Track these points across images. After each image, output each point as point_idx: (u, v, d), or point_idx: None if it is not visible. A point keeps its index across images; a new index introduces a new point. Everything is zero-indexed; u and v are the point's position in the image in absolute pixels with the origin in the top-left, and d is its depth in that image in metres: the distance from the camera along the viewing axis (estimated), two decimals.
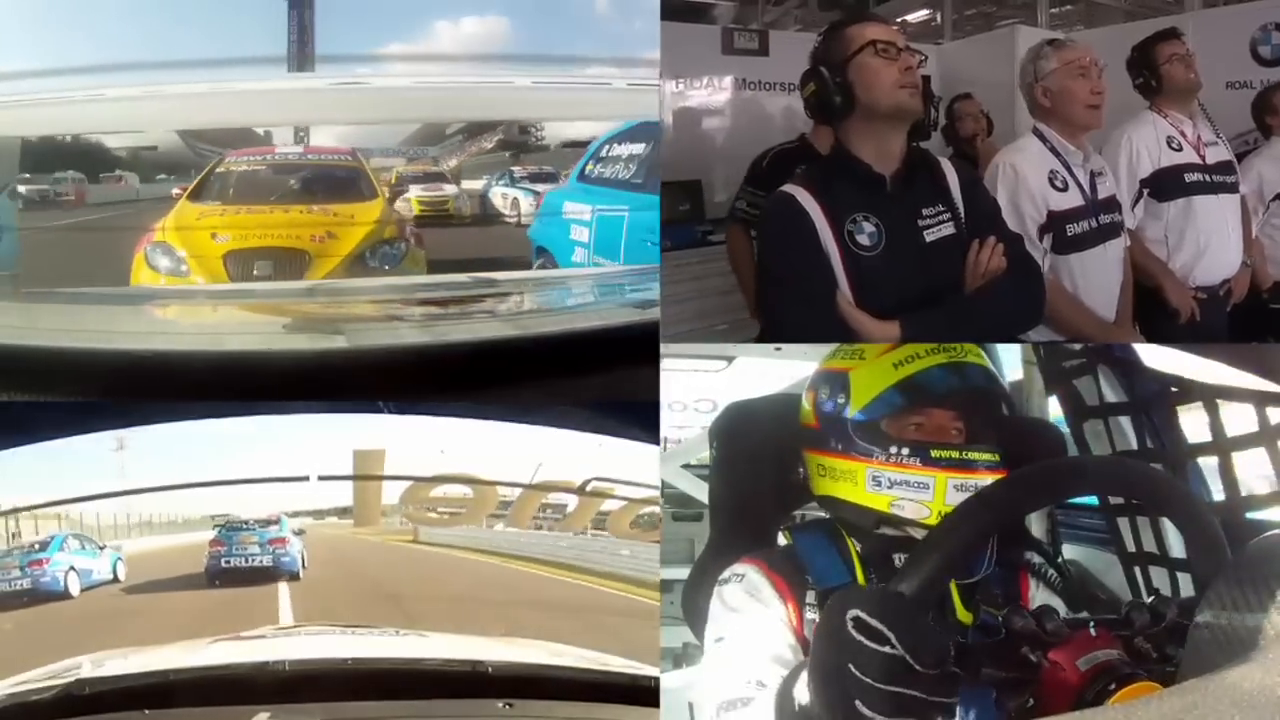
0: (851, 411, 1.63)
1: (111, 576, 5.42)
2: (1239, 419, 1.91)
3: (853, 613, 1.15)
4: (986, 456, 1.55)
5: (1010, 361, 2.42)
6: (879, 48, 1.93)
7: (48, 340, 2.09)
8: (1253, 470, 1.92)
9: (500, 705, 1.60)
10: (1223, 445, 1.95)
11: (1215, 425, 1.96)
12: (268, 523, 5.88)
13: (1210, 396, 1.96)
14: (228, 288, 3.68)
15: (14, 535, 4.84)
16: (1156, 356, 2.10)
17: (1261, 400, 1.86)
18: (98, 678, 1.64)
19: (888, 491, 1.58)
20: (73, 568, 5.09)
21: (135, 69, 3.37)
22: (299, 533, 5.97)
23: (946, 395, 1.59)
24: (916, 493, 1.55)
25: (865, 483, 1.59)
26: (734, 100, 4.43)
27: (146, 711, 1.55)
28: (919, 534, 1.54)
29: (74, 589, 5.06)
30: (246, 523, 5.88)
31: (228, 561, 5.70)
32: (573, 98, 3.60)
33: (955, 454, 1.54)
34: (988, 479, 1.52)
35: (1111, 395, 2.16)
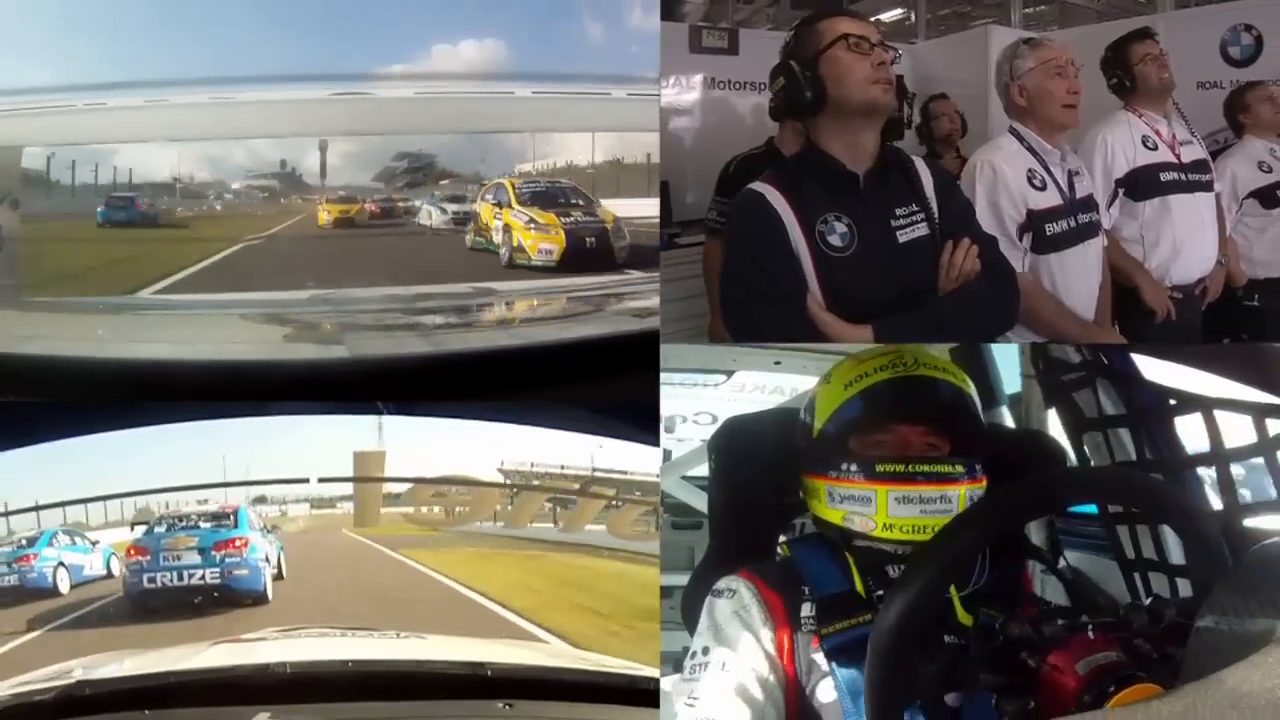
0: (815, 431, 1.65)
1: (105, 572, 5.02)
2: (1237, 429, 1.92)
3: None
4: (938, 468, 1.55)
5: (1009, 373, 2.43)
6: (851, 42, 1.91)
7: (47, 349, 2.09)
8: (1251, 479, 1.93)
9: (500, 706, 1.60)
10: (1221, 455, 1.96)
11: (1214, 436, 1.96)
12: (217, 517, 4.56)
13: (1209, 407, 1.96)
14: (229, 297, 3.69)
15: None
16: (1155, 367, 2.11)
17: (1260, 411, 1.87)
18: (98, 679, 1.64)
19: (840, 506, 1.60)
20: (62, 563, 4.75)
21: (140, 86, 3.39)
22: (269, 530, 4.76)
23: (899, 409, 1.60)
24: (862, 506, 1.57)
25: (825, 498, 1.61)
26: (703, 100, 4.37)
27: (147, 712, 1.55)
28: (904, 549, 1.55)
29: (63, 586, 4.73)
30: (186, 518, 4.53)
31: (152, 579, 4.27)
32: (573, 109, 3.61)
33: (899, 467, 1.55)
34: (931, 490, 1.53)
35: (1110, 407, 2.17)
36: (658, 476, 2.90)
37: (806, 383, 1.80)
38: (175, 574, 4.23)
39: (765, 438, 1.84)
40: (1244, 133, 3.37)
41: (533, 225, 4.10)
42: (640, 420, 2.01)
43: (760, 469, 1.80)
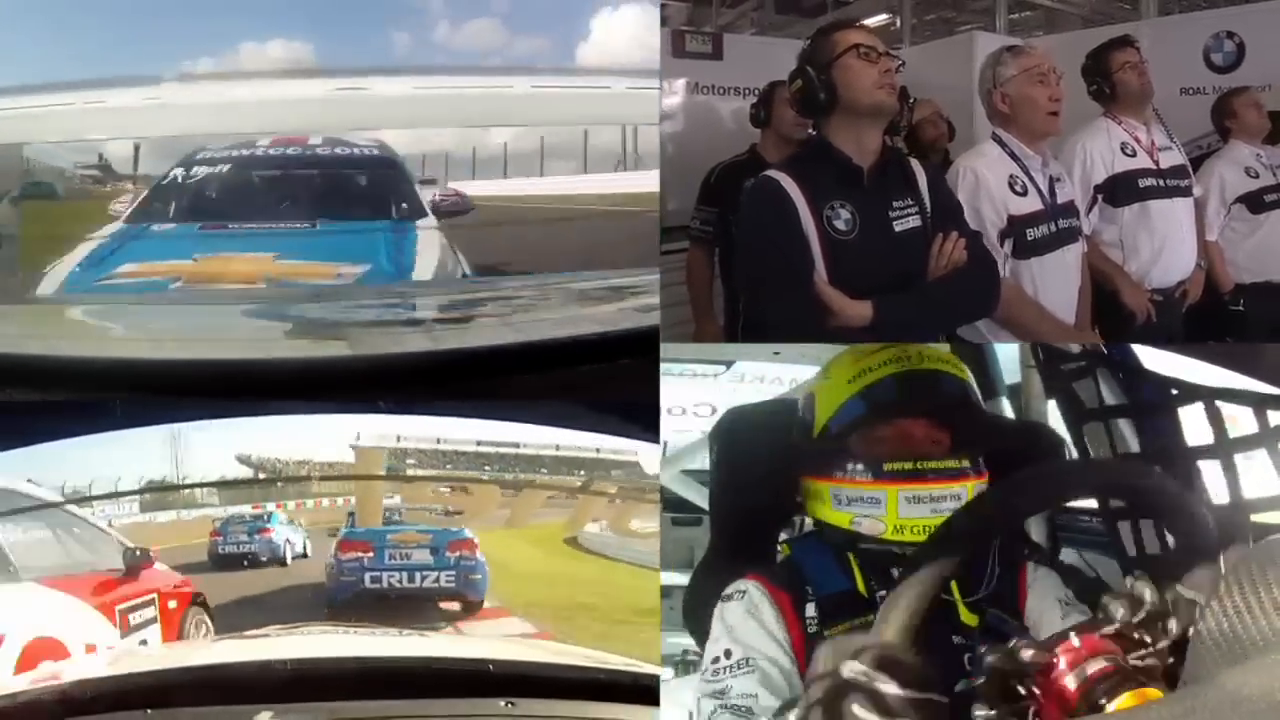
0: (817, 429, 1.65)
1: (303, 552, 5.45)
2: (1240, 421, 1.91)
3: (851, 667, 1.13)
4: (947, 464, 1.55)
5: (1010, 364, 2.43)
6: (861, 51, 2.09)
7: (49, 349, 2.08)
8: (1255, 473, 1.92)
9: (502, 704, 1.60)
10: (1224, 447, 1.95)
11: (1216, 427, 1.95)
12: (448, 513, 4.60)
13: (1211, 398, 1.96)
14: (230, 289, 3.68)
15: None
16: (1157, 359, 2.11)
17: (1261, 402, 1.86)
18: (99, 677, 1.64)
19: (847, 509, 1.59)
20: (288, 539, 5.25)
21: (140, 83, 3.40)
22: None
23: (906, 405, 1.60)
24: (870, 508, 1.56)
25: (830, 501, 1.61)
26: (686, 105, 4.29)
27: (148, 711, 1.54)
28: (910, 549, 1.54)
29: (288, 558, 5.22)
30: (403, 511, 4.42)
31: (376, 578, 4.01)
32: (571, 102, 3.60)
33: (908, 465, 1.55)
34: (941, 489, 1.53)
35: (1111, 397, 2.16)
36: (653, 444, 2.88)
37: (806, 372, 1.81)
38: (405, 575, 3.89)
39: (766, 428, 1.84)
40: (1230, 137, 3.40)
41: None
42: (640, 418, 2.00)
43: (761, 460, 1.80)
